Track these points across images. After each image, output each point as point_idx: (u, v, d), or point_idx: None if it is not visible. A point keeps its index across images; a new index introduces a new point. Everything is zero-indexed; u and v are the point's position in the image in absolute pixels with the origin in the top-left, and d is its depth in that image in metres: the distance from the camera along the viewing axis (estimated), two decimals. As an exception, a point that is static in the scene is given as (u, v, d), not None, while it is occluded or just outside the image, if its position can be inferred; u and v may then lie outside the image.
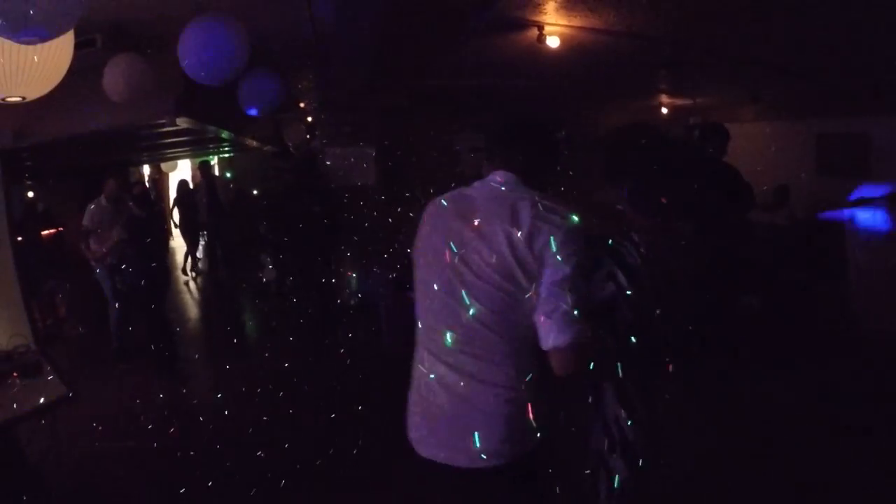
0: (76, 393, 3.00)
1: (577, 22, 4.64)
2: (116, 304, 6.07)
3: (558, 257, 1.61)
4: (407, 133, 7.64)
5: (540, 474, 1.80)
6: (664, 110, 8.74)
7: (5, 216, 6.28)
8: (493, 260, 1.68)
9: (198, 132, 7.25)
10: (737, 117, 8.31)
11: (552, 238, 1.63)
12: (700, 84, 7.32)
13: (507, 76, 6.64)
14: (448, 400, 1.73)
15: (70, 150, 6.98)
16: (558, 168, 1.98)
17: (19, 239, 6.64)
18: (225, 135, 8.25)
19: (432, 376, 1.78)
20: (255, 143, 9.57)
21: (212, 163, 13.20)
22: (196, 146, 10.72)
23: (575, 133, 8.33)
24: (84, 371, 5.69)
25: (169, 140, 9.08)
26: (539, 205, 1.69)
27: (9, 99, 3.07)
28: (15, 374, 3.16)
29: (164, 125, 5.90)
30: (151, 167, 14.11)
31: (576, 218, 1.67)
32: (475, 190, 1.91)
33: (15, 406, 2.77)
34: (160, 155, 12.35)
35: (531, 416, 1.70)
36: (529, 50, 5.16)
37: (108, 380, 5.56)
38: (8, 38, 2.33)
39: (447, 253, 1.76)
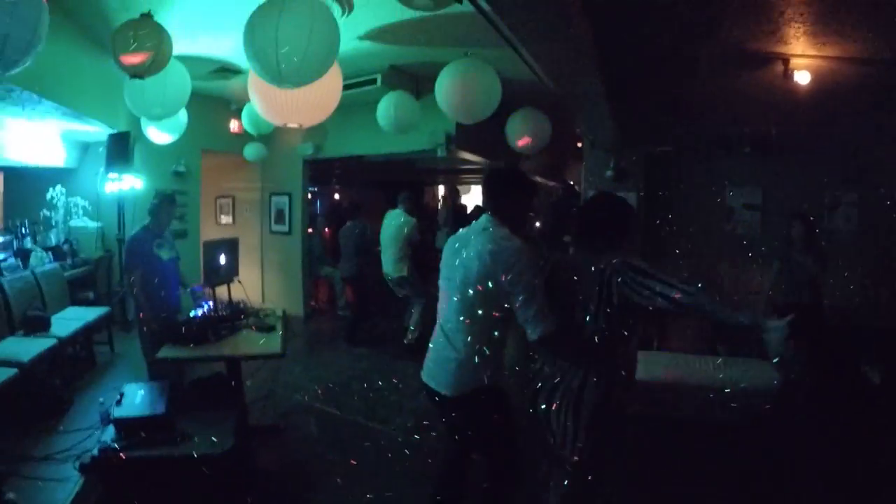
0: (287, 354, 3.74)
1: (828, 52, 4.03)
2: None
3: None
4: (672, 181, 7.26)
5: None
6: None
7: (305, 212, 7.92)
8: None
9: (465, 162, 8.05)
10: None
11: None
12: None
13: (769, 121, 5.89)
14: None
15: (366, 166, 8.39)
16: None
17: (310, 230, 8.14)
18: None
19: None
20: (538, 178, 10.11)
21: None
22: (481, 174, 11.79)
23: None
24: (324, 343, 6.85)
25: (453, 167, 10.20)
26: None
27: (289, 125, 3.95)
28: (253, 326, 4.05)
29: (433, 154, 6.63)
30: (446, 187, 15.54)
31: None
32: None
33: (244, 349, 3.66)
34: (454, 178, 13.79)
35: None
36: (782, 89, 4.54)
37: (339, 354, 6.40)
38: (273, 84, 3.18)
39: None
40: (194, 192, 7.13)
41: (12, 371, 3.75)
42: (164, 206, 4.30)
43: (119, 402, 2.90)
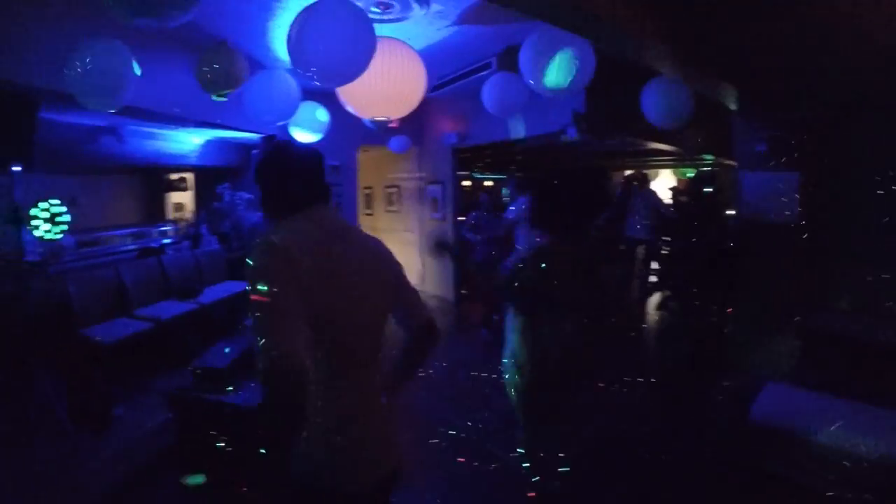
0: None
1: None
2: None
3: None
4: (841, 157, 4.78)
5: None
6: None
7: (457, 200, 8.30)
8: None
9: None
10: None
11: None
12: None
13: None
14: None
15: (518, 152, 8.59)
16: None
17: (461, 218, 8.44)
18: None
19: None
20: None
21: (686, 175, 13.18)
22: (667, 158, 11.21)
23: None
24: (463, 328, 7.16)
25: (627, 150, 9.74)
26: None
27: (377, 119, 4.32)
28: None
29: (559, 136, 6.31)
30: (635, 171, 14.67)
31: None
32: None
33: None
34: (642, 162, 13.20)
35: None
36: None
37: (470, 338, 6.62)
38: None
39: None
40: (350, 184, 7.91)
41: (149, 325, 5.10)
42: None
43: (201, 356, 3.57)
